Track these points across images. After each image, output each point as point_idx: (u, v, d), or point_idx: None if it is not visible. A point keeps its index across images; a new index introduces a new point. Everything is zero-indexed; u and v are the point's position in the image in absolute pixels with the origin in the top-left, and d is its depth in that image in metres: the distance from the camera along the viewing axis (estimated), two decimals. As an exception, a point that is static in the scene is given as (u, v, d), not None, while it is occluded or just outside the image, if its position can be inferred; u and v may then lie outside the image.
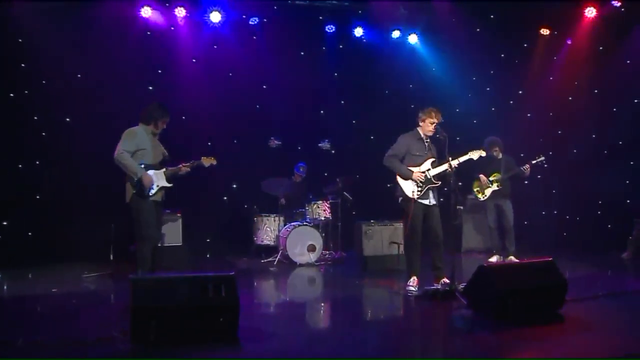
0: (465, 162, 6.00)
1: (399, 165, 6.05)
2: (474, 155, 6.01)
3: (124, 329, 4.09)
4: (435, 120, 5.97)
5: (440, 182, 6.00)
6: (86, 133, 8.14)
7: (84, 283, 6.74)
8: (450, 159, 5.85)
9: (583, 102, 10.13)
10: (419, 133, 6.11)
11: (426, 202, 6.00)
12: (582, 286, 5.97)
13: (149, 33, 8.92)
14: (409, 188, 6.01)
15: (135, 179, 5.53)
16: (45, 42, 7.99)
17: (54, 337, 4.23)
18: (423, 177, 5.95)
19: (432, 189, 6.01)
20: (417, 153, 6.05)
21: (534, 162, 8.06)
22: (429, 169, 5.99)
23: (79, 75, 8.45)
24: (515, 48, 10.34)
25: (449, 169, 5.85)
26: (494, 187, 8.25)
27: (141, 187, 5.55)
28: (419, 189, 5.95)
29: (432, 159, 6.03)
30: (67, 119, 8.46)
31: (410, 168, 6.01)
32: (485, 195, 8.35)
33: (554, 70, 10.41)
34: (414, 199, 5.93)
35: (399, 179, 6.07)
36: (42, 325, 4.78)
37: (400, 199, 6.09)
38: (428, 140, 6.09)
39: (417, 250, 6.05)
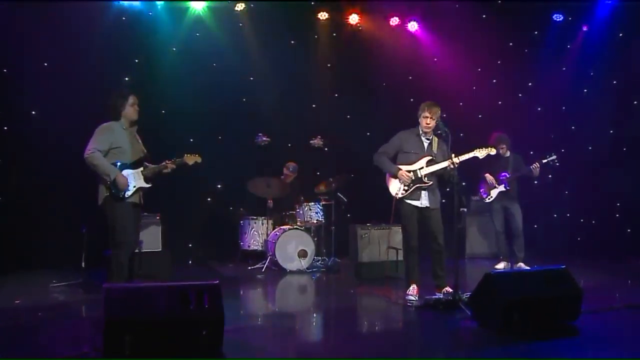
0: (469, 160, 5.95)
1: (384, 162, 6.08)
2: (481, 153, 5.95)
3: (96, 345, 4.04)
4: (428, 115, 5.93)
5: (431, 182, 5.95)
6: (53, 127, 8.04)
7: (51, 293, 6.65)
8: (453, 155, 5.83)
9: (599, 94, 10.15)
10: (419, 129, 6.11)
11: (416, 203, 5.99)
12: (599, 297, 5.96)
13: (124, 18, 8.85)
14: (394, 187, 6.04)
15: (109, 181, 5.48)
16: (5, 26, 7.89)
17: (17, 354, 4.16)
18: (409, 176, 5.93)
19: (424, 189, 5.98)
20: (412, 151, 6.04)
21: (544, 160, 8.08)
22: (421, 167, 5.96)
23: (45, 64, 8.35)
24: (524, 36, 10.37)
25: (451, 167, 5.81)
26: (501, 187, 8.26)
27: (116, 188, 5.50)
28: (405, 187, 5.95)
29: (429, 158, 5.99)
30: (32, 112, 8.36)
31: (400, 166, 6.01)
32: (492, 197, 8.36)
33: (568, 60, 10.44)
34: (395, 198, 5.98)
35: (387, 178, 6.11)
36: (2, 342, 4.70)
37: (394, 200, 6.12)
38: (431, 137, 6.07)
39: (413, 256, 6.04)
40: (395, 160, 6.12)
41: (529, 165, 8.13)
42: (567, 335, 4.71)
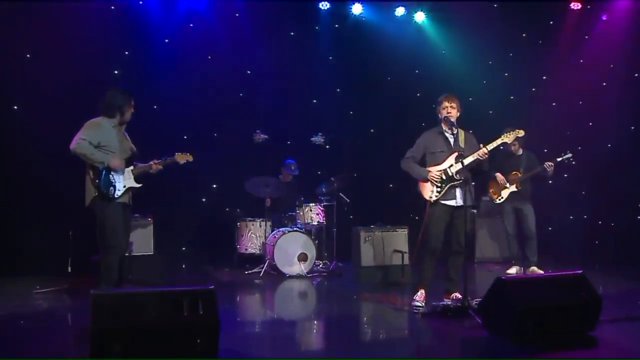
0: (498, 147, 5.96)
1: (413, 166, 6.10)
2: (509, 137, 5.94)
3: (83, 355, 4.01)
4: (448, 103, 6.00)
5: (463, 179, 5.92)
6: (38, 124, 8.04)
7: (35, 300, 6.61)
8: (481, 145, 5.86)
9: (620, 88, 10.10)
10: (441, 126, 6.12)
11: (452, 202, 5.98)
12: (619, 304, 5.94)
13: (113, 7, 8.85)
14: (427, 190, 6.03)
15: (99, 176, 5.45)
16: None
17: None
18: (439, 176, 5.94)
19: (457, 186, 5.97)
20: (438, 150, 6.05)
21: (559, 159, 8.06)
22: (451, 165, 5.97)
23: (28, 56, 8.33)
24: (539, 26, 10.35)
25: (480, 157, 5.83)
26: (512, 187, 8.24)
27: (105, 187, 5.49)
28: (438, 189, 5.96)
29: (457, 153, 5.98)
30: (14, 107, 8.35)
31: (430, 168, 6.02)
32: (502, 197, 8.35)
33: (586, 51, 10.39)
34: (429, 201, 5.97)
35: (419, 184, 6.10)
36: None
37: (425, 202, 6.11)
38: (456, 132, 6.04)
39: (432, 259, 6.04)
40: (423, 163, 6.13)
41: (542, 164, 8.10)
42: (585, 345, 4.68)
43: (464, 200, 5.92)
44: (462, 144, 6.02)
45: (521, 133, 6.03)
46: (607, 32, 10.17)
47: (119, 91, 5.79)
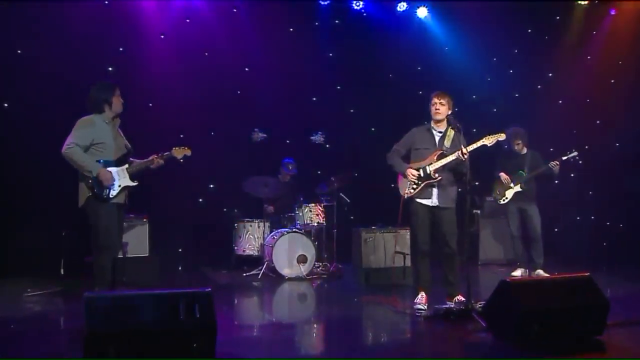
0: (477, 149, 5.91)
1: (395, 161, 6.20)
2: (489, 140, 5.91)
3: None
4: (436, 100, 6.03)
5: (440, 178, 5.93)
6: (29, 122, 8.02)
7: (26, 303, 6.61)
8: (462, 146, 5.84)
9: (628, 85, 10.09)
10: (430, 124, 6.18)
11: (427, 202, 6.02)
12: (627, 308, 5.91)
13: (107, 2, 8.81)
14: (403, 186, 6.13)
15: (91, 178, 5.45)
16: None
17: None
18: (415, 174, 5.98)
19: (434, 185, 5.98)
20: (423, 146, 6.10)
21: (564, 157, 8.05)
22: (431, 163, 5.99)
23: (19, 51, 8.30)
24: (545, 21, 10.33)
25: (460, 158, 5.79)
26: (517, 188, 8.23)
27: (99, 188, 5.48)
28: (414, 186, 6.00)
29: (440, 152, 6.01)
30: (5, 105, 8.33)
31: (411, 164, 6.08)
32: (506, 198, 8.34)
33: (593, 47, 10.38)
34: (403, 197, 6.06)
35: (398, 177, 6.23)
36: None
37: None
38: (444, 130, 6.07)
39: (423, 261, 6.09)
40: (408, 158, 6.18)
41: (547, 163, 8.09)
42: (592, 350, 4.67)
43: (440, 201, 5.96)
44: (447, 144, 6.04)
45: (502, 137, 5.98)
46: (616, 28, 10.15)
47: (101, 84, 5.76)
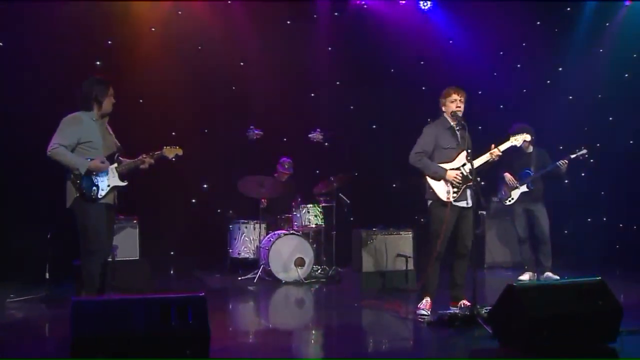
0: (508, 149, 6.06)
1: (429, 164, 6.03)
2: (517, 140, 6.06)
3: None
4: (457, 97, 6.01)
5: (476, 180, 5.94)
6: (12, 119, 7.97)
7: (9, 309, 6.59)
8: (493, 146, 5.92)
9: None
10: (447, 121, 6.10)
11: (463, 204, 6.00)
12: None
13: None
14: (442, 190, 5.98)
15: (81, 176, 5.44)
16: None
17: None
18: (460, 176, 5.93)
19: (470, 187, 5.99)
20: (448, 146, 6.05)
21: (572, 155, 8.03)
22: (464, 164, 5.97)
23: (0, 44, 8.29)
24: (554, 13, 10.33)
25: (491, 159, 5.92)
26: (523, 188, 8.22)
27: (88, 187, 5.47)
28: (455, 189, 5.95)
29: (466, 152, 5.98)
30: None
31: (443, 165, 5.99)
32: (512, 199, 8.33)
33: (605, 40, 10.37)
34: (449, 202, 5.93)
35: (430, 180, 6.05)
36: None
37: (429, 202, 6.08)
38: (459, 127, 6.05)
39: (437, 265, 6.06)
40: (431, 160, 6.10)
41: (555, 162, 8.07)
42: (604, 358, 4.67)
43: (474, 202, 5.97)
44: (464, 142, 6.03)
45: (528, 137, 6.20)
46: (630, 20, 10.14)
47: (95, 81, 5.73)
